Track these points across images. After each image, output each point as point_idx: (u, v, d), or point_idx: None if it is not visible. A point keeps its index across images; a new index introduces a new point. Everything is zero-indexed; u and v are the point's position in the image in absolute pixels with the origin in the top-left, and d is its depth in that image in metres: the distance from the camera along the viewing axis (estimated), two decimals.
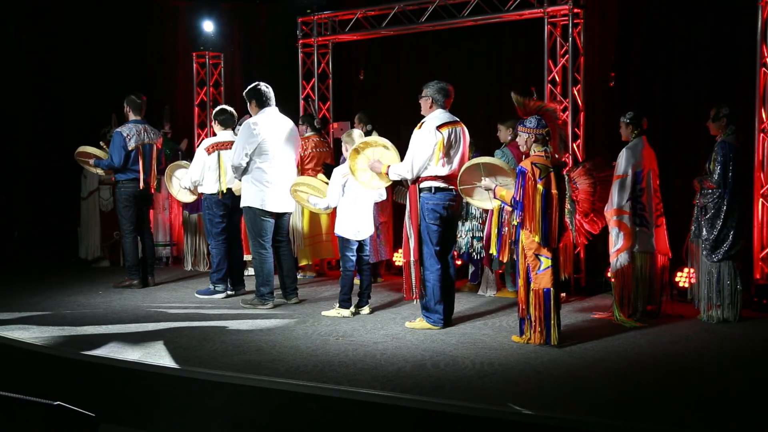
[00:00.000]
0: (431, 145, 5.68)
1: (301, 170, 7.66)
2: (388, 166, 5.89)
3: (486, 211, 6.85)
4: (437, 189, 5.76)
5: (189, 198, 7.83)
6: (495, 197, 5.48)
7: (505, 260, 5.69)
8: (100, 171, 8.14)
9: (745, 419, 3.96)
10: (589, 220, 6.04)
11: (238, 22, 10.78)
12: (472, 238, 7.17)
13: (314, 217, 7.90)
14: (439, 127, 5.70)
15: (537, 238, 5.16)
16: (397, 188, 7.09)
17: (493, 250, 5.80)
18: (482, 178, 5.62)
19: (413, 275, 5.81)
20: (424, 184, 5.77)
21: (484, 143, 7.70)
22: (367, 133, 7.65)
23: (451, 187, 5.80)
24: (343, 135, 6.55)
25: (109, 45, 10.39)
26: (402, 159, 5.88)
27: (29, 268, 9.43)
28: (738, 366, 4.93)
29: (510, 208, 5.34)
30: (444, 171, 5.73)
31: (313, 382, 4.48)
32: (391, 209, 7.86)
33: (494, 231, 5.85)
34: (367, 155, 6.05)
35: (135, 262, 7.84)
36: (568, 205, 6.03)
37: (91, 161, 7.91)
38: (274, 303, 6.75)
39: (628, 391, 4.35)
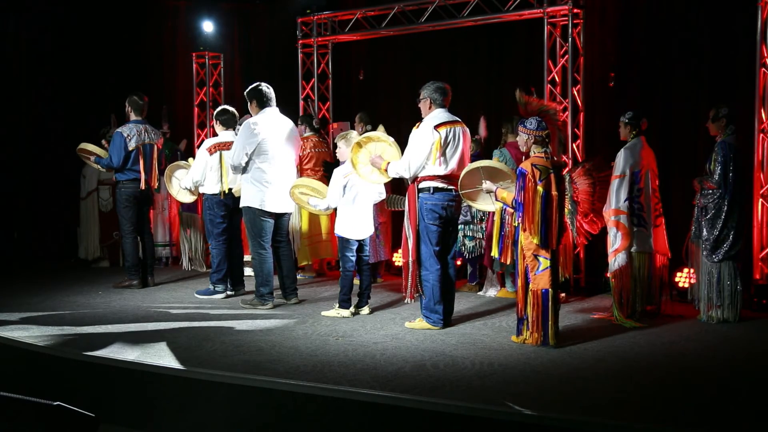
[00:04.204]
0: (428, 144, 5.68)
1: (300, 170, 7.66)
2: (388, 163, 5.90)
3: (483, 212, 6.87)
4: (436, 189, 5.76)
5: (189, 198, 7.84)
6: (497, 199, 5.49)
7: (507, 262, 5.70)
8: (101, 168, 8.15)
9: (745, 419, 3.96)
10: (589, 220, 6.05)
11: (238, 22, 10.79)
12: (464, 237, 7.17)
13: (314, 217, 7.90)
14: (437, 127, 5.70)
15: (536, 240, 5.16)
16: (390, 197, 7.09)
17: (495, 252, 5.81)
18: (483, 181, 5.63)
19: (411, 275, 5.82)
20: (423, 185, 5.77)
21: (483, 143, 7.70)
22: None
23: (450, 187, 5.79)
24: (338, 137, 6.53)
25: (108, 45, 10.40)
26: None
27: (29, 268, 9.43)
28: (738, 366, 4.93)
29: (512, 210, 5.34)
30: (442, 170, 5.72)
31: (313, 382, 4.47)
32: (390, 210, 7.86)
33: (496, 233, 5.86)
34: (369, 149, 6.06)
35: (135, 263, 7.83)
36: (569, 206, 6.04)
37: (92, 158, 7.93)
38: (274, 303, 6.75)
39: (628, 391, 4.35)
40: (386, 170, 5.91)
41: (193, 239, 9.11)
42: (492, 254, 6.08)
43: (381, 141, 6.05)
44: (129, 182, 7.72)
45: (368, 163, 6.05)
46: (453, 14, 8.08)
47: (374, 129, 7.89)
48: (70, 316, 6.49)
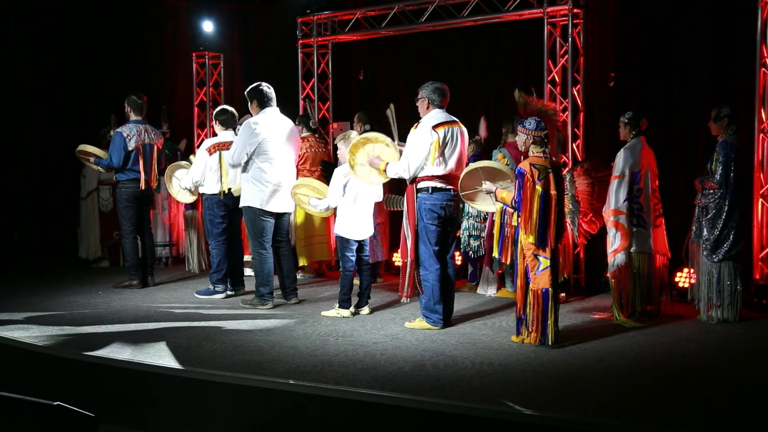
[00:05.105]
0: (427, 144, 5.68)
1: (296, 171, 7.65)
2: (387, 164, 5.90)
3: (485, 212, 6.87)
4: (435, 189, 5.76)
5: (189, 198, 7.84)
6: (497, 200, 5.49)
7: (507, 262, 5.70)
8: (101, 168, 8.16)
9: (745, 419, 3.96)
10: (588, 220, 6.05)
11: (238, 22, 10.79)
12: (469, 236, 7.17)
13: (308, 218, 7.88)
14: (435, 127, 5.70)
15: (531, 239, 5.16)
16: (388, 197, 7.09)
17: (495, 252, 5.81)
18: (482, 181, 5.63)
19: (408, 275, 5.82)
20: (422, 185, 5.78)
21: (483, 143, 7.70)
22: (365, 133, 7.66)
23: (449, 187, 5.79)
24: (338, 138, 6.53)
25: (108, 45, 10.40)
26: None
27: (29, 268, 9.43)
28: (738, 366, 4.94)
29: (512, 210, 5.34)
30: (440, 171, 5.73)
31: (313, 382, 4.48)
32: (388, 210, 7.85)
33: (496, 233, 5.86)
34: (367, 150, 6.05)
35: (135, 263, 7.84)
36: (570, 205, 6.04)
37: (92, 159, 7.93)
38: (274, 303, 6.75)
39: (628, 391, 4.35)
40: (385, 171, 5.92)
41: (194, 240, 9.09)
42: (493, 254, 6.09)
43: (379, 142, 6.04)
44: (129, 182, 7.72)
45: (366, 164, 6.05)
46: (453, 14, 8.08)
47: (373, 129, 7.91)
48: (70, 316, 6.49)
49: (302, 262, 8.10)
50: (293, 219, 7.91)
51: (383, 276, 8.18)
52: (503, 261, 5.77)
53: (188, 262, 9.02)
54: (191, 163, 7.58)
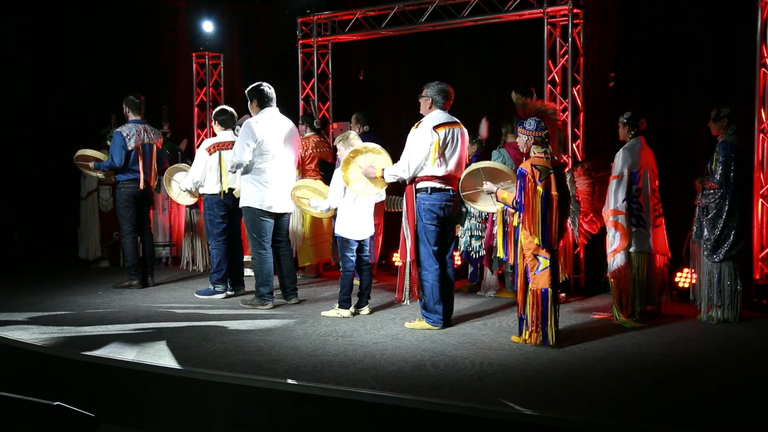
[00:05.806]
0: (427, 144, 5.68)
1: (302, 170, 7.65)
2: (383, 169, 5.89)
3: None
4: (434, 189, 5.76)
5: (190, 201, 7.84)
6: (498, 200, 5.49)
7: (512, 262, 5.70)
8: (100, 174, 8.16)
9: (745, 419, 3.96)
10: (588, 220, 6.04)
11: (238, 23, 10.80)
12: (470, 237, 7.17)
13: (317, 217, 7.87)
14: (435, 127, 5.70)
15: (537, 240, 5.16)
16: (389, 198, 7.08)
17: (500, 253, 5.81)
18: (483, 182, 5.63)
19: (408, 276, 5.82)
20: (421, 185, 5.77)
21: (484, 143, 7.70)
22: (364, 134, 7.66)
23: (448, 187, 5.79)
24: (336, 138, 6.53)
25: (108, 45, 10.40)
26: (395, 161, 5.89)
27: (29, 268, 9.43)
28: (738, 366, 4.93)
29: (513, 210, 5.34)
30: (440, 171, 5.73)
31: (313, 382, 4.48)
32: (384, 211, 7.83)
33: (500, 233, 5.86)
34: (359, 163, 6.04)
35: (135, 263, 7.84)
36: (571, 205, 6.04)
37: (91, 164, 7.91)
38: (274, 303, 6.75)
39: (628, 391, 4.35)
40: (382, 177, 5.91)
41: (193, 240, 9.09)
42: (498, 255, 6.08)
43: (369, 151, 6.04)
44: (128, 182, 7.72)
45: (361, 177, 6.04)
46: (453, 14, 8.08)
47: (371, 129, 7.91)
48: (70, 316, 6.49)
49: (306, 262, 8.09)
50: (299, 220, 7.89)
51: (377, 276, 8.13)
52: (510, 261, 5.77)
53: (190, 263, 9.01)
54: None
